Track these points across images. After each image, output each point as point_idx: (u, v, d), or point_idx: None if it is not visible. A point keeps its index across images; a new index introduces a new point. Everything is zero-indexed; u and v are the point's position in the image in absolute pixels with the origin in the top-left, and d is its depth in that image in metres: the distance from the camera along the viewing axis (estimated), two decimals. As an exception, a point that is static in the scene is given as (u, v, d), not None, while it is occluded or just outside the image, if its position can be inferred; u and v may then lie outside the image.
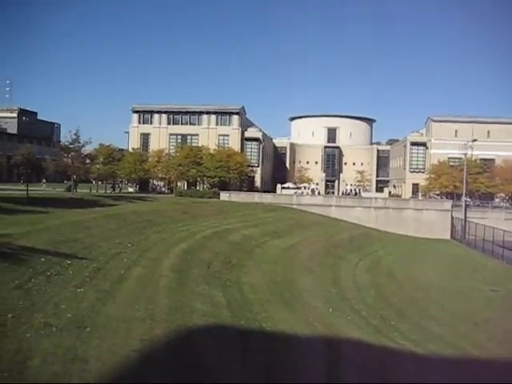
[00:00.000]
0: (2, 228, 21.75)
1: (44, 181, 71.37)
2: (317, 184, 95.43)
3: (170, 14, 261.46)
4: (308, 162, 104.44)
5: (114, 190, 75.93)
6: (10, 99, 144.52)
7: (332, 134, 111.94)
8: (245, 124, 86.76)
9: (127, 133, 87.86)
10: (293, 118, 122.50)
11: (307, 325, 17.07)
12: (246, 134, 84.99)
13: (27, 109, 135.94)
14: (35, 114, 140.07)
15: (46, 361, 8.93)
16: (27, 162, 50.54)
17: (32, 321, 10.73)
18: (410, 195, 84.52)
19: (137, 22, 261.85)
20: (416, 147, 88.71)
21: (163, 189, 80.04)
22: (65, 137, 63.08)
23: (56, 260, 17.10)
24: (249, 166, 79.57)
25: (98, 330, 10.90)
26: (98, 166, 68.42)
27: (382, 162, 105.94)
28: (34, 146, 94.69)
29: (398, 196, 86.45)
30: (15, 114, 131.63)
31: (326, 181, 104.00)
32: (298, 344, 14.13)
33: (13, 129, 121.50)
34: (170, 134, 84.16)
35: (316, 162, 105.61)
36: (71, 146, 56.12)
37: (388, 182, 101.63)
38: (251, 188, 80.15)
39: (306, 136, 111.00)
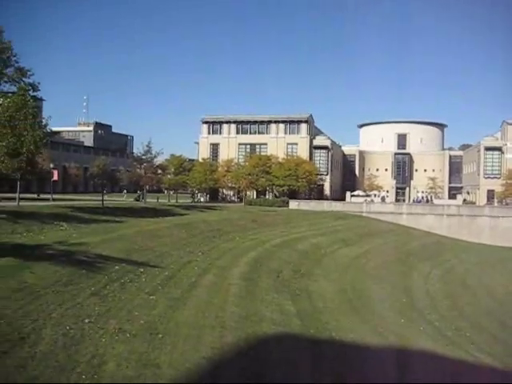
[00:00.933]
0: (80, 237, 22.76)
1: (125, 191, 73.70)
2: (387, 191, 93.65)
3: (235, 24, 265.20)
4: (378, 170, 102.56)
5: (193, 199, 77.28)
6: (86, 114, 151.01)
7: (402, 140, 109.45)
8: (313, 132, 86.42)
9: (197, 143, 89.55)
10: (361, 125, 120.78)
11: (378, 335, 16.78)
12: (315, 142, 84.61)
13: (102, 122, 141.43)
14: (110, 127, 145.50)
15: (121, 365, 9.25)
16: (103, 173, 52.54)
17: (107, 326, 11.14)
18: (485, 202, 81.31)
19: (203, 33, 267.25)
20: (491, 152, 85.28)
21: (233, 198, 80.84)
22: (137, 148, 65.09)
23: (130, 268, 17.67)
24: (318, 174, 78.97)
25: (169, 336, 11.17)
26: (169, 176, 69.87)
27: (455, 167, 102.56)
28: (108, 157, 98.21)
29: (473, 203, 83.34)
30: (91, 128, 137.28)
31: (397, 188, 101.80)
32: (369, 354, 13.90)
33: (89, 142, 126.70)
34: (239, 144, 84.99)
35: (386, 169, 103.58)
36: (144, 157, 57.70)
37: (461, 188, 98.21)
38: (320, 196, 79.53)
39: (375, 143, 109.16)
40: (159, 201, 59.74)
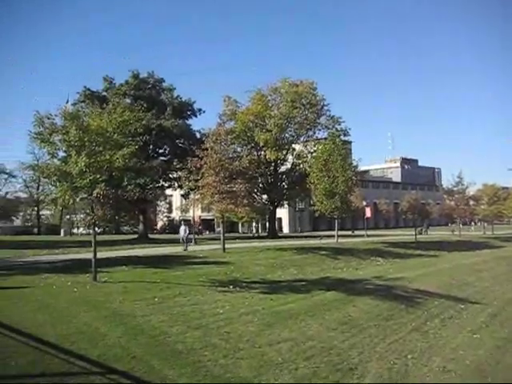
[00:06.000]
0: (396, 271, 23.19)
1: (426, 224, 72.18)
2: None
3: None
4: None
5: None
6: (392, 150, 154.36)
7: None
8: None
9: (511, 170, 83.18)
10: None
11: None
12: None
13: (408, 157, 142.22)
14: (416, 161, 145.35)
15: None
16: (413, 208, 52.64)
17: (430, 364, 10.95)
18: None
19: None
20: None
21: None
22: (448, 180, 63.54)
23: (449, 303, 17.21)
24: None
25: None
26: (482, 207, 66.31)
27: None
28: (417, 191, 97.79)
29: None
30: (398, 164, 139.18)
31: None
32: None
33: (397, 177, 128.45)
34: None
35: None
36: (455, 188, 56.25)
37: None
38: None
39: None
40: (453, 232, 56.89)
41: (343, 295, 16.76)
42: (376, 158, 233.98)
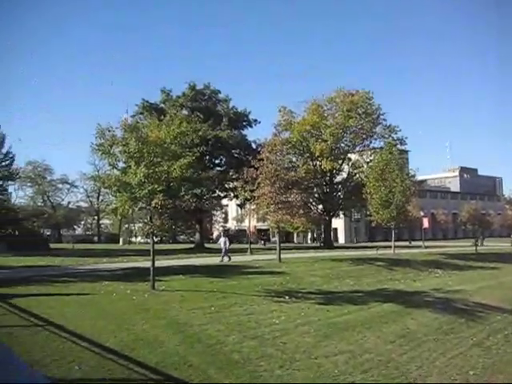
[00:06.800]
0: (456, 284, 22.61)
1: (482, 236, 69.74)
2: None
3: None
4: None
5: None
6: (450, 160, 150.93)
7: None
8: None
9: None
10: None
11: None
12: None
13: (467, 166, 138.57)
14: (475, 170, 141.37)
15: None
16: (473, 218, 51.26)
17: (493, 381, 10.53)
18: None
19: None
20: None
21: None
22: (509, 190, 61.65)
23: (512, 318, 16.60)
24: None
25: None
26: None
27: None
28: (476, 201, 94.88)
29: None
30: (456, 173, 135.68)
31: None
32: None
33: (455, 187, 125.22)
34: None
35: None
36: (519, 199, 54.55)
37: None
38: None
39: None
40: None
41: (401, 307, 16.45)
42: (434, 167, 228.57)
